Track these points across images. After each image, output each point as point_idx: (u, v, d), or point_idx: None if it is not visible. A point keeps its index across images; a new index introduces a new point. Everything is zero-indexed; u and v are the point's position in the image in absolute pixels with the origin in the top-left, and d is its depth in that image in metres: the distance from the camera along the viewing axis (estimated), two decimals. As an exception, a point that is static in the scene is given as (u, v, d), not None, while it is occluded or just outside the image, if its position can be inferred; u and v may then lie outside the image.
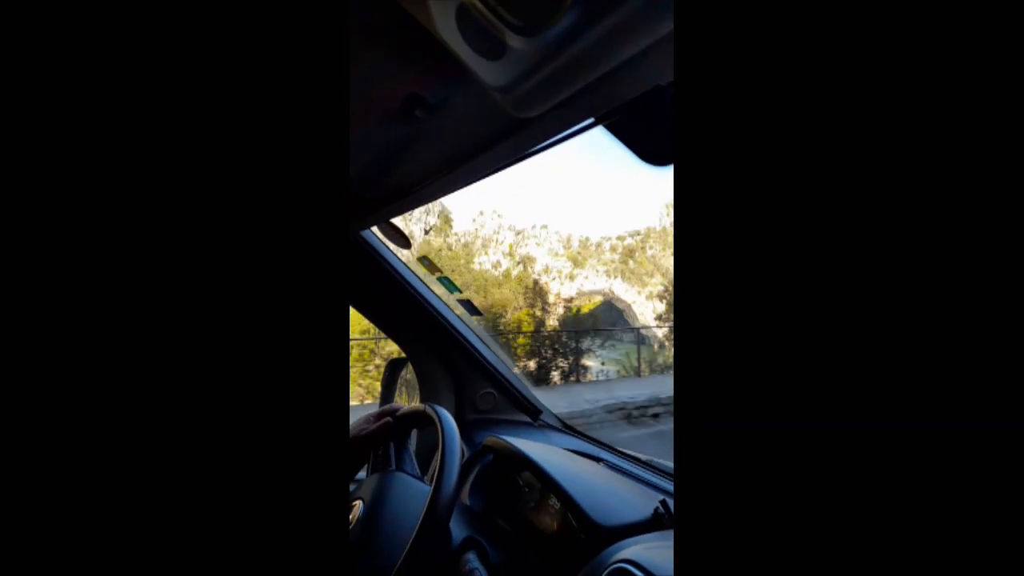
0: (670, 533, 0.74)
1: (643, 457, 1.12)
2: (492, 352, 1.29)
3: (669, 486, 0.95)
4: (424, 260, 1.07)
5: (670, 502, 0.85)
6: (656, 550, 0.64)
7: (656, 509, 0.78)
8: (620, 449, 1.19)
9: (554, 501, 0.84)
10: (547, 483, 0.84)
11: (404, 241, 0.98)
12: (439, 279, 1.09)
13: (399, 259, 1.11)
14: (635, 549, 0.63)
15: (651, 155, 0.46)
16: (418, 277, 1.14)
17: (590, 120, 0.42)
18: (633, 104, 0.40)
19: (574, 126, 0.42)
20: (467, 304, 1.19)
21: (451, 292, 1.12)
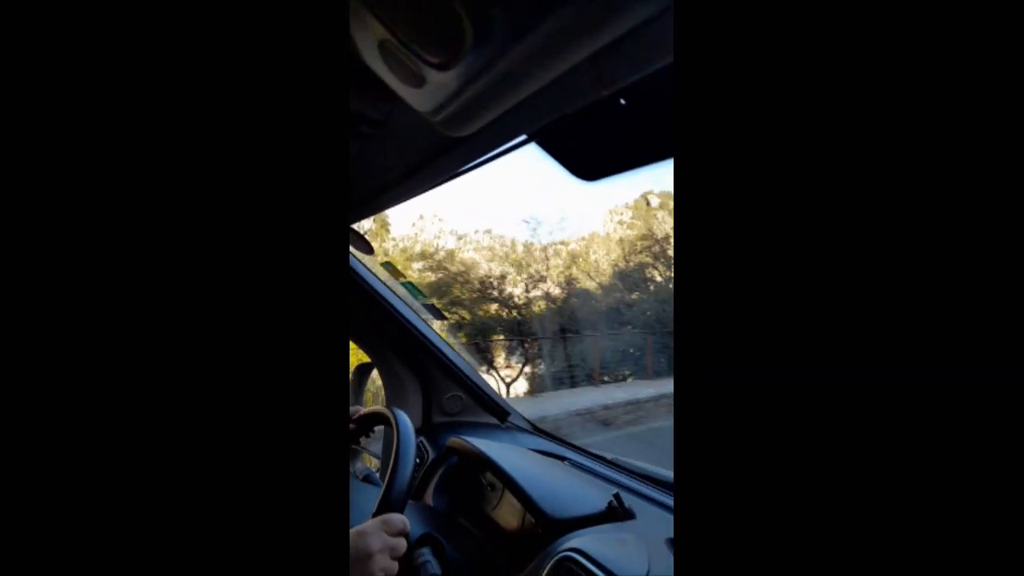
0: (621, 524, 0.77)
1: (608, 456, 1.16)
2: (458, 355, 1.31)
3: (630, 482, 0.99)
4: (387, 265, 1.08)
5: (624, 495, 0.89)
6: (602, 540, 0.67)
7: (610, 502, 0.81)
8: (586, 448, 1.23)
9: (514, 499, 0.87)
10: (504, 480, 0.86)
11: (367, 247, 0.99)
12: (403, 284, 1.11)
13: (363, 265, 1.12)
14: (583, 539, 0.66)
15: (583, 171, 0.49)
16: (382, 282, 1.15)
17: (523, 137, 0.45)
18: (563, 122, 0.44)
19: (506, 143, 0.44)
20: (431, 308, 1.20)
21: (416, 297, 1.14)
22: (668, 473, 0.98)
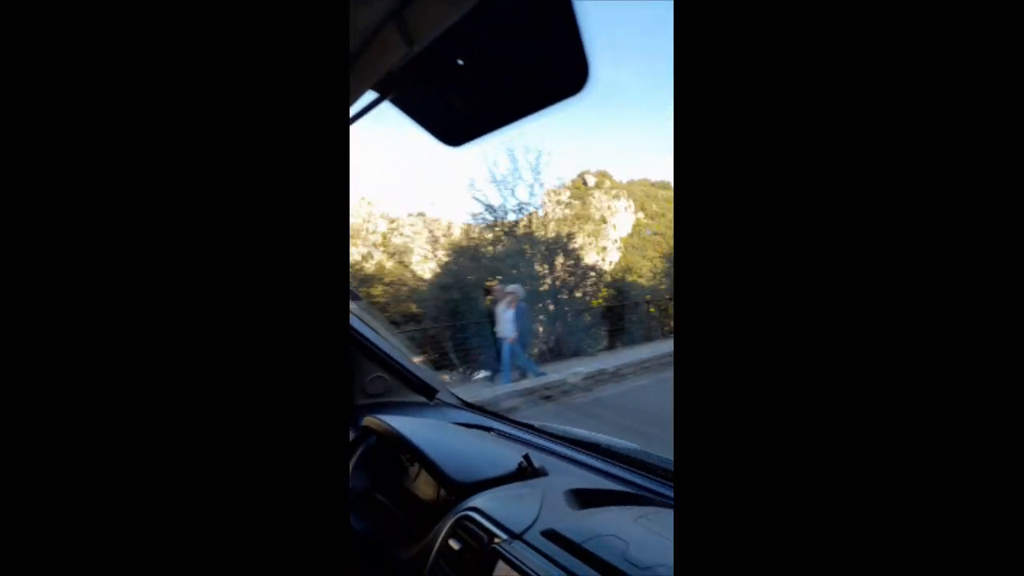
0: (530, 482, 0.81)
1: (536, 424, 1.19)
2: (379, 335, 1.29)
3: (551, 445, 1.03)
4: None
5: (542, 456, 0.93)
6: (500, 497, 0.70)
7: (520, 463, 0.85)
8: (514, 418, 1.26)
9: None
10: (413, 453, 0.87)
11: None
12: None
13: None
14: (483, 498, 0.69)
15: (444, 134, 0.50)
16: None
17: (374, 96, 0.45)
18: (420, 79, 0.43)
19: (354, 102, 0.44)
20: (344, 289, 1.17)
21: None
22: (589, 434, 1.03)
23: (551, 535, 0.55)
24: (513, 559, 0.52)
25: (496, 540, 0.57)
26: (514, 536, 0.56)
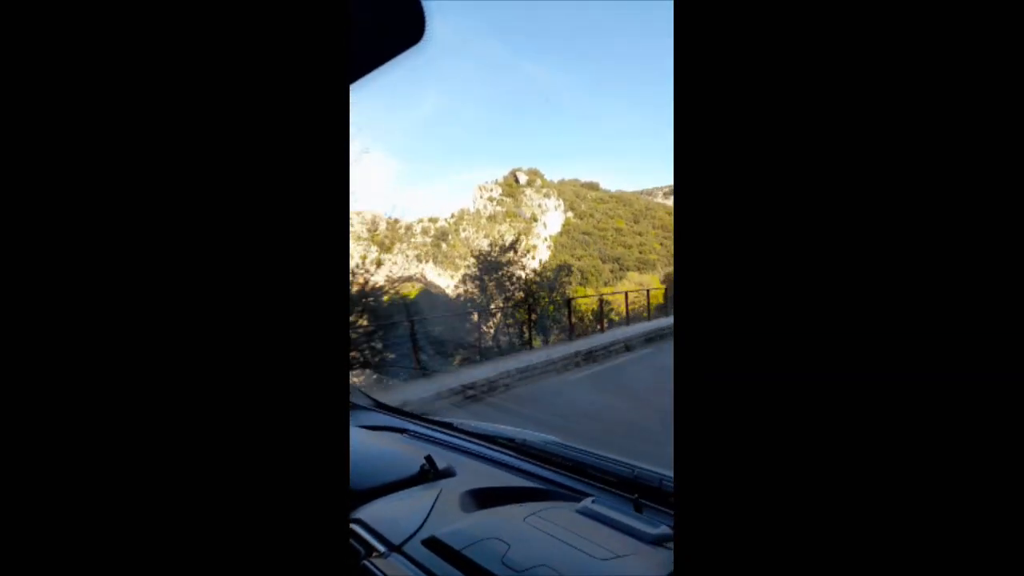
0: (433, 484, 0.76)
1: (456, 422, 1.14)
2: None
3: (470, 445, 0.98)
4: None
5: (453, 456, 0.88)
6: (389, 504, 0.65)
7: (422, 465, 0.80)
8: (430, 417, 1.20)
9: None
10: None
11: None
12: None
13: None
14: (371, 508, 0.63)
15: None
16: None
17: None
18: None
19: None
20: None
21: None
22: (510, 430, 1.00)
23: (432, 544, 0.51)
24: None
25: (374, 554, 0.51)
26: (393, 548, 0.52)
